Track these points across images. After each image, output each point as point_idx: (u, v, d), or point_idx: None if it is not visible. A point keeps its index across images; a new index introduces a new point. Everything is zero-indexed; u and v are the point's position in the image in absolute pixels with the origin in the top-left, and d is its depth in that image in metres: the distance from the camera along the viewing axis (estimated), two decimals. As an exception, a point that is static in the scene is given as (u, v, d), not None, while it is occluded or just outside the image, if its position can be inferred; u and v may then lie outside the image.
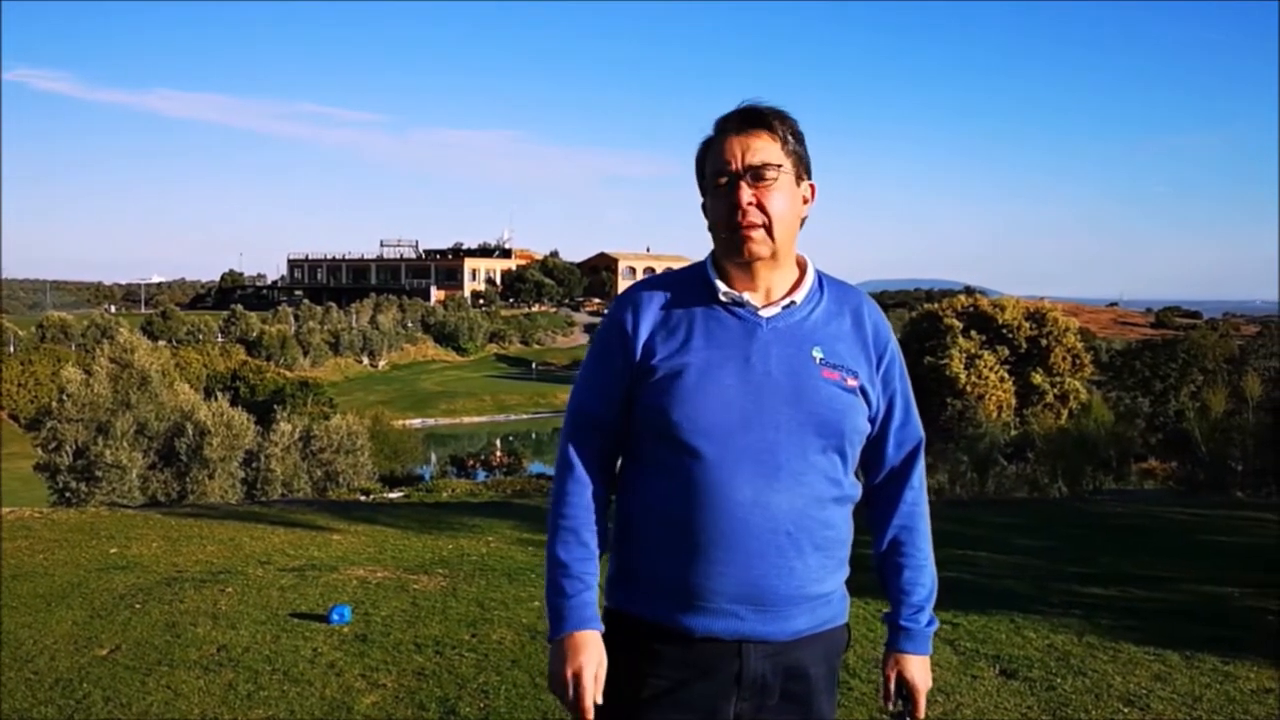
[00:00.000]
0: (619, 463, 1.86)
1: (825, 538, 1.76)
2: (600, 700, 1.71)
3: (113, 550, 6.82)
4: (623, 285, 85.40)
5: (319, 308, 69.60)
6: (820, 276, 1.85)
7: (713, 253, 1.83)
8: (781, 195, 1.75)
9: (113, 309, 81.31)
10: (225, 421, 13.72)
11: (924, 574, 1.88)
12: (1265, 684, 4.12)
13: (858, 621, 2.03)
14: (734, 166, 1.74)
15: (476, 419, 52.72)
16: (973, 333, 26.74)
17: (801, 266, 1.84)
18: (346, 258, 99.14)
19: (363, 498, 13.76)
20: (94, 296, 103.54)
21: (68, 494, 12.59)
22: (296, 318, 66.07)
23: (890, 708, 1.90)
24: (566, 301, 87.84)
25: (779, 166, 1.74)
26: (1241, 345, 40.05)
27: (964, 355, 25.87)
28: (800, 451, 1.72)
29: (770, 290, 1.80)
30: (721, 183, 1.75)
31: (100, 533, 7.57)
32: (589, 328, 76.89)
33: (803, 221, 1.83)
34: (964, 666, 4.32)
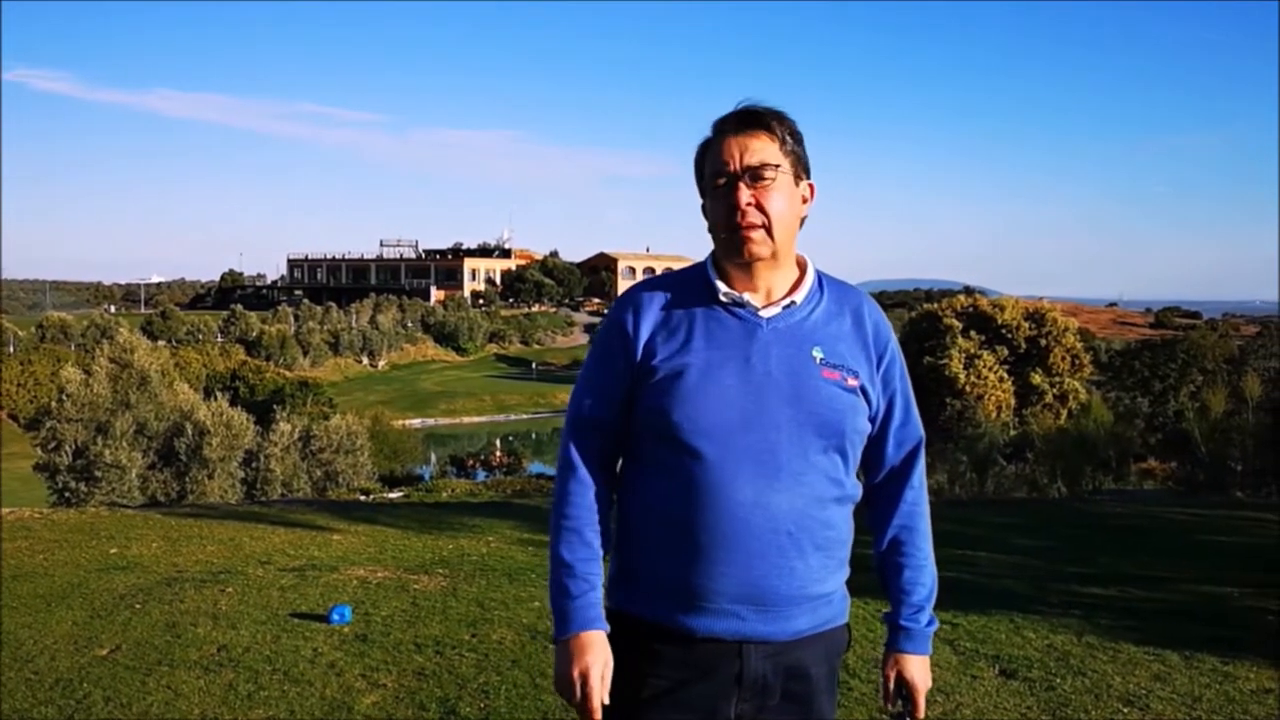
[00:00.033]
0: (620, 463, 1.86)
1: (826, 538, 1.76)
2: (607, 700, 1.71)
3: (113, 550, 6.82)
4: (622, 285, 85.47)
5: (319, 308, 69.59)
6: (820, 276, 1.86)
7: (713, 253, 1.83)
8: (780, 195, 1.75)
9: (112, 309, 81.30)
10: (225, 421, 13.72)
11: (924, 574, 1.88)
12: (1265, 684, 4.12)
13: (858, 621, 2.03)
14: (732, 167, 1.74)
15: (476, 419, 52.72)
16: (972, 333, 26.72)
17: (801, 266, 1.84)
18: (346, 258, 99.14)
19: (362, 498, 13.76)
20: (94, 297, 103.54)
21: (67, 494, 12.59)
22: (296, 318, 66.07)
23: (890, 708, 1.90)
24: (566, 301, 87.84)
25: (777, 167, 1.75)
26: (1241, 345, 40.08)
27: (963, 355, 25.86)
28: (801, 452, 1.73)
29: (770, 290, 1.80)
30: (720, 184, 1.76)
31: (100, 533, 7.57)
32: (589, 328, 76.89)
33: (802, 221, 1.83)
34: (964, 666, 4.32)
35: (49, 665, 4.25)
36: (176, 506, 10.41)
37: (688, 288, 1.82)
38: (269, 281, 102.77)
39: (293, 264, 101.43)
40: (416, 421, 44.72)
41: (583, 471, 1.80)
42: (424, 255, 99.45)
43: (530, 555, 6.68)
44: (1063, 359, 26.96)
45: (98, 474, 12.52)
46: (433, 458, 33.06)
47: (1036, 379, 26.29)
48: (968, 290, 41.26)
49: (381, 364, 63.70)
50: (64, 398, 13.38)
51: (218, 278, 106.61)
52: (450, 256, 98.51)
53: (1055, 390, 26.16)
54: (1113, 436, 12.64)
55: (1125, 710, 3.86)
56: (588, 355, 1.88)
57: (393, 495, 15.17)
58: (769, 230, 1.74)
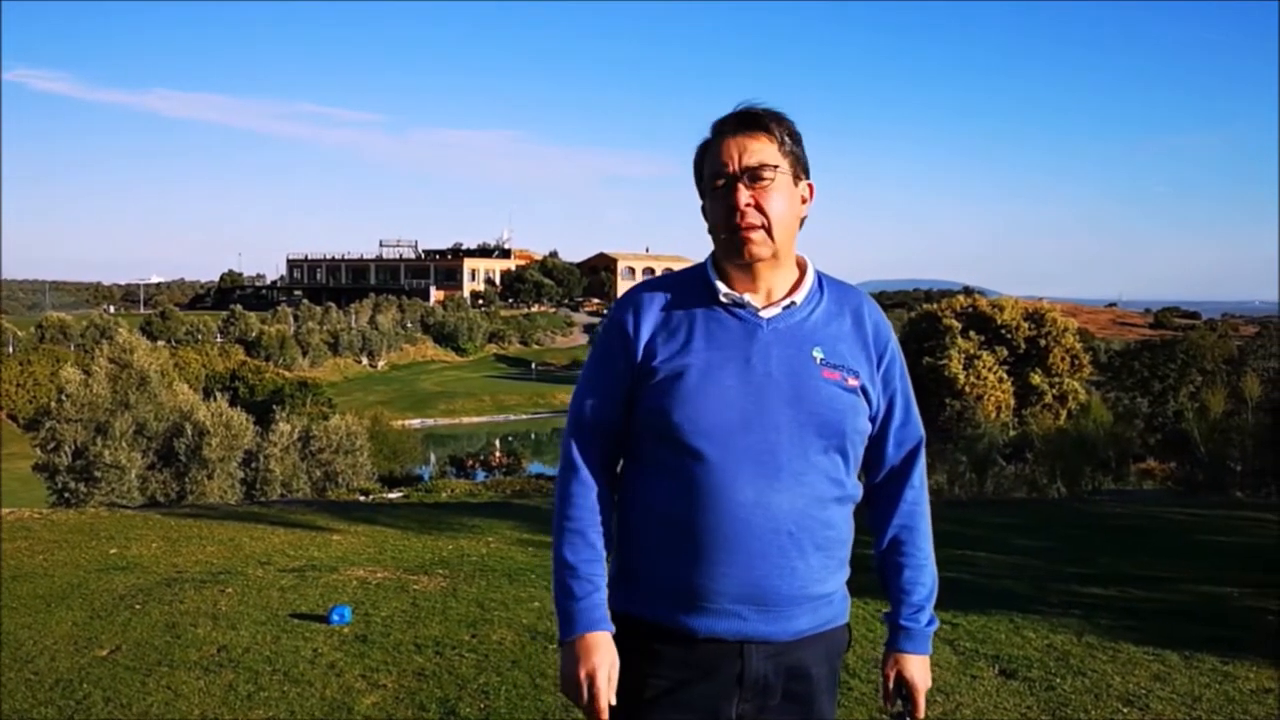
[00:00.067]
0: (620, 464, 1.86)
1: (827, 538, 1.76)
2: (614, 702, 1.71)
3: (112, 551, 6.82)
4: (622, 285, 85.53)
5: (318, 308, 69.61)
6: (820, 277, 1.86)
7: (713, 254, 1.84)
8: (780, 196, 1.75)
9: (112, 309, 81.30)
10: (224, 422, 13.72)
11: (924, 573, 1.88)
12: (1265, 684, 4.13)
13: (857, 622, 2.03)
14: (731, 168, 1.74)
15: (476, 419, 52.73)
16: (971, 333, 26.74)
17: (801, 267, 1.84)
18: (346, 258, 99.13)
19: (362, 498, 13.76)
20: (93, 297, 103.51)
21: (67, 494, 12.59)
22: (296, 318, 66.07)
23: (890, 708, 1.90)
24: (566, 302, 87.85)
25: (776, 167, 1.75)
26: (1240, 346, 40.14)
27: (963, 356, 25.87)
28: (801, 452, 1.73)
29: (771, 291, 1.80)
30: (719, 185, 1.76)
31: (100, 533, 7.57)
32: (588, 328, 76.91)
33: (802, 222, 1.83)
34: (963, 666, 4.32)
35: (49, 666, 4.24)
36: (176, 507, 10.41)
37: (688, 288, 1.82)
38: (268, 282, 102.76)
39: (292, 264, 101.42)
40: (416, 422, 44.72)
41: (584, 472, 1.80)
42: (423, 255, 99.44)
43: (530, 556, 6.68)
44: (1062, 359, 26.98)
45: (97, 474, 12.52)
46: (432, 458, 33.05)
47: (1036, 379, 26.31)
48: (967, 290, 41.26)
49: (381, 364, 63.70)
50: (63, 398, 13.38)
51: (217, 278, 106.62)
52: (450, 257, 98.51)
53: (1055, 390, 26.18)
54: (1112, 437, 12.65)
55: (1125, 710, 3.86)
56: (589, 356, 1.88)
57: (392, 495, 15.17)
58: (769, 231, 1.74)
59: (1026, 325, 27.31)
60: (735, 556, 1.71)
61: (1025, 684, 4.12)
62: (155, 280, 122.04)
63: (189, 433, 13.36)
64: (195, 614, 5.06)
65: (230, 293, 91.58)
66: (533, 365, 66.51)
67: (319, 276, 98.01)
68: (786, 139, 1.78)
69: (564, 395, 54.36)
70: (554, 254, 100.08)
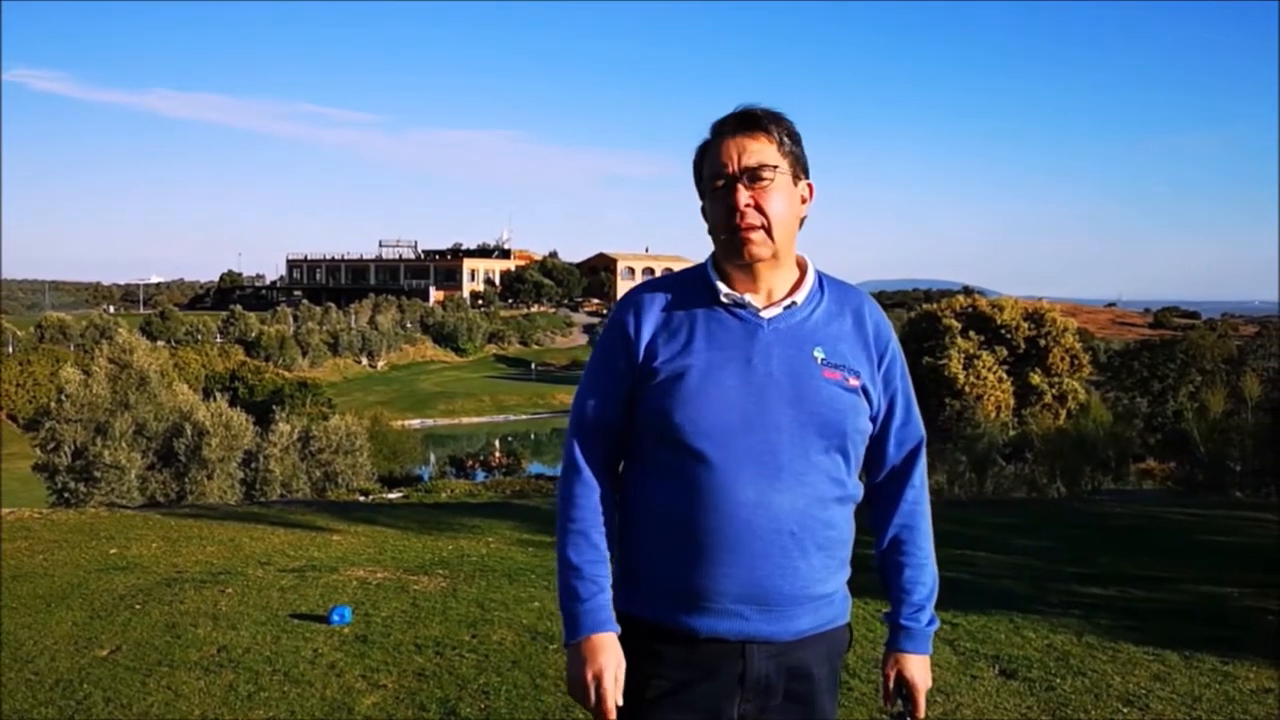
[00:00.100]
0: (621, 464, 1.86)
1: (828, 538, 1.77)
2: (622, 702, 1.71)
3: (112, 551, 6.82)
4: (622, 286, 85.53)
5: (318, 308, 69.61)
6: (821, 277, 1.86)
7: (713, 254, 1.84)
8: (779, 196, 1.76)
9: (111, 309, 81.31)
10: (224, 422, 13.73)
11: (925, 573, 1.88)
12: (1265, 684, 4.13)
13: (858, 622, 2.03)
14: (731, 169, 1.75)
15: (475, 419, 52.74)
16: (971, 333, 26.74)
17: (802, 267, 1.85)
18: (345, 258, 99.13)
19: (362, 498, 13.77)
20: (93, 297, 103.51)
21: (66, 494, 12.60)
22: (295, 318, 66.08)
23: (890, 707, 1.90)
24: (565, 302, 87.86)
25: (775, 168, 1.75)
26: (1240, 346, 40.13)
27: (962, 355, 25.87)
28: (802, 452, 1.73)
29: (771, 291, 1.80)
30: (719, 185, 1.76)
31: (100, 533, 7.57)
32: (588, 328, 76.94)
33: (802, 222, 1.84)
34: (963, 667, 4.32)
35: (49, 666, 4.25)
36: (176, 507, 10.41)
37: (689, 289, 1.82)
38: (268, 282, 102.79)
39: (292, 264, 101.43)
40: (415, 422, 44.72)
41: (587, 473, 1.80)
42: (423, 256, 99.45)
43: (530, 556, 6.68)
44: (1062, 359, 26.98)
45: (97, 474, 12.52)
46: (432, 458, 33.05)
47: (1036, 379, 26.31)
48: (967, 290, 41.27)
49: (380, 364, 63.71)
50: (63, 398, 13.39)
51: (217, 278, 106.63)
52: (449, 257, 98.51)
53: (1054, 390, 26.18)
54: (1112, 437, 12.66)
55: (1125, 710, 3.86)
56: (590, 357, 1.89)
57: (392, 496, 15.18)
58: (768, 231, 1.75)
59: (1026, 325, 27.32)
60: (737, 557, 1.71)
61: (1025, 684, 4.12)
62: (155, 280, 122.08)
63: (189, 433, 13.37)
64: (195, 614, 5.06)
65: (230, 293, 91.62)
66: (532, 365, 66.52)
67: (319, 277, 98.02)
68: (785, 139, 1.78)
69: (564, 395, 54.42)
70: (554, 254, 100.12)
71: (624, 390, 1.80)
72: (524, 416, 54.11)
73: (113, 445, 12.69)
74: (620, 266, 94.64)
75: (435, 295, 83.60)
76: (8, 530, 7.61)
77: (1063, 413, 23.61)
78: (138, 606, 5.22)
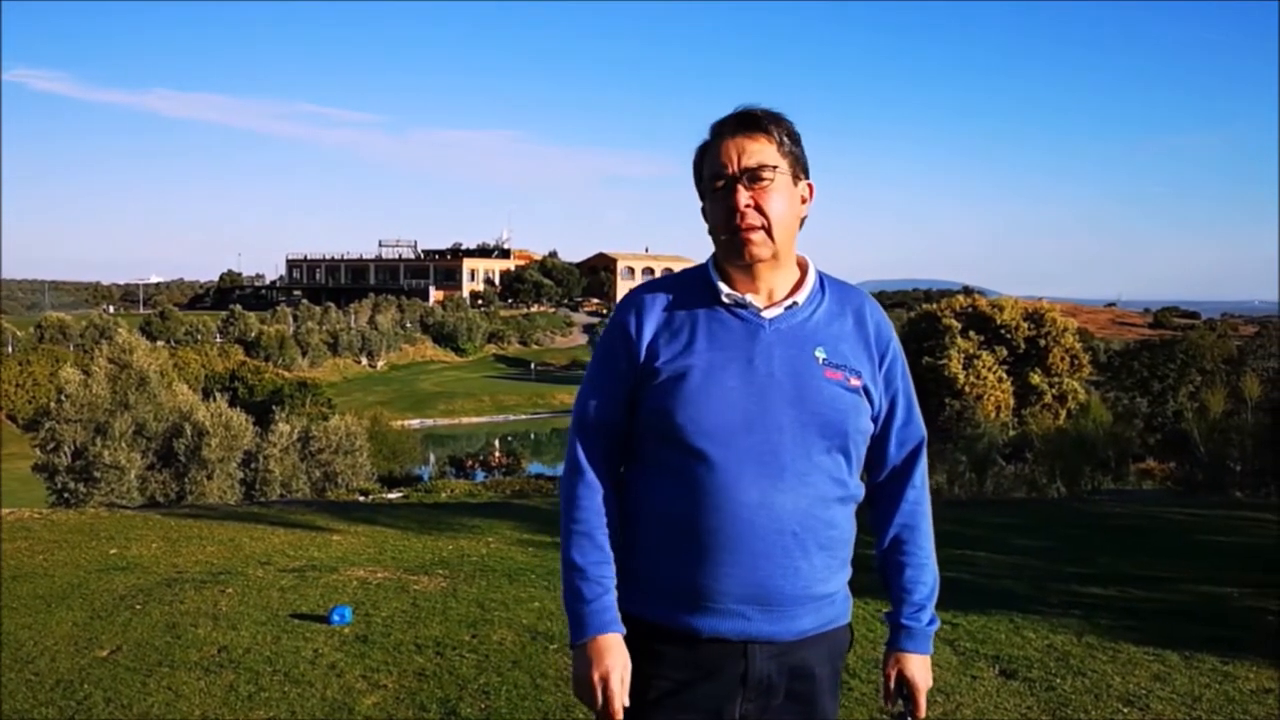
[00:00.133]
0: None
1: (830, 538, 1.77)
2: (629, 703, 1.71)
3: (112, 551, 6.82)
4: (621, 286, 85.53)
5: (317, 308, 69.60)
6: (822, 277, 1.86)
7: (714, 254, 1.84)
8: (779, 196, 1.76)
9: (111, 309, 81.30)
10: (224, 422, 13.73)
11: (925, 572, 1.88)
12: (1265, 684, 4.13)
13: (858, 622, 2.03)
14: (730, 169, 1.75)
15: (475, 419, 52.74)
16: (971, 333, 26.73)
17: (803, 267, 1.85)
18: (345, 258, 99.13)
19: (361, 498, 13.78)
20: (92, 297, 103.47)
21: (66, 495, 12.60)
22: (295, 318, 66.07)
23: (891, 707, 1.90)
24: (565, 302, 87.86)
25: (775, 168, 1.75)
26: (1240, 346, 40.15)
27: (962, 355, 25.87)
28: (804, 452, 1.73)
29: (772, 291, 1.81)
30: (719, 186, 1.76)
31: (100, 533, 7.57)
32: (588, 328, 76.95)
33: (802, 222, 1.84)
34: (964, 667, 4.32)
35: (49, 666, 4.25)
36: (176, 507, 10.42)
37: (690, 289, 1.82)
38: (268, 282, 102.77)
39: (291, 264, 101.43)
40: (415, 422, 44.73)
41: (591, 474, 1.80)
42: (423, 255, 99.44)
43: (530, 556, 6.68)
44: (1062, 359, 26.98)
45: (97, 475, 12.52)
46: (431, 458, 33.06)
47: (1035, 379, 26.31)
48: (967, 290, 41.27)
49: (380, 364, 63.71)
50: (63, 398, 13.38)
51: (216, 278, 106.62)
52: (449, 257, 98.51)
53: (1054, 390, 26.18)
54: (1112, 437, 12.66)
55: (1125, 710, 3.86)
56: (592, 357, 1.89)
57: (392, 496, 15.19)
58: (769, 232, 1.75)
59: (1026, 325, 27.31)
60: (739, 557, 1.71)
61: (1025, 684, 4.12)
62: (155, 280, 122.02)
63: (188, 433, 13.37)
64: (195, 614, 5.06)
65: (230, 293, 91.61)
66: (532, 365, 66.53)
67: (318, 276, 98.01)
68: (785, 139, 1.78)
69: (563, 395, 54.45)
70: (553, 254, 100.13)
71: (626, 391, 1.80)
72: (524, 416, 54.12)
73: (112, 445, 12.69)
74: (620, 266, 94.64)
75: (435, 295, 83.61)
76: (8, 530, 7.61)
77: (1063, 413, 23.61)
78: (138, 607, 5.22)
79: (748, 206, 1.73)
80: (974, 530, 8.00)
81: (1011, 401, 25.54)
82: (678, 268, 1.87)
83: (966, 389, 24.84)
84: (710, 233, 1.81)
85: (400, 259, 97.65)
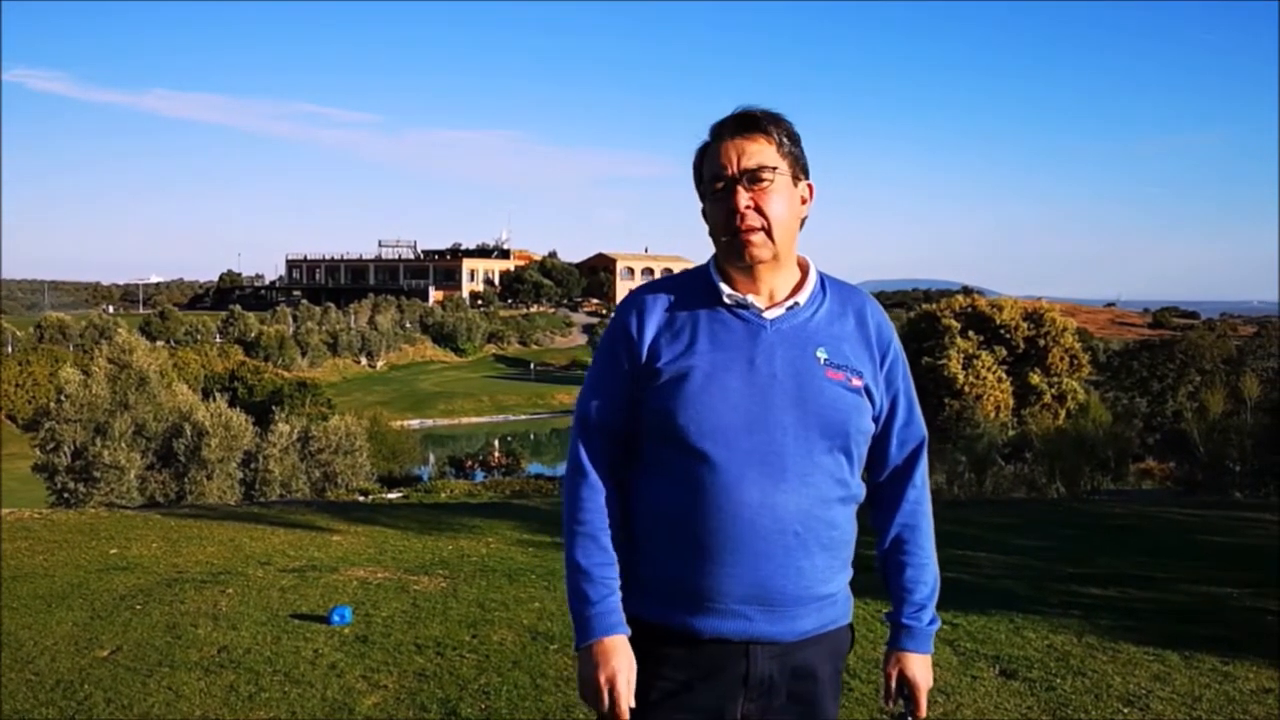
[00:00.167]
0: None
1: (831, 538, 1.77)
2: (634, 704, 1.71)
3: (112, 551, 6.82)
4: (621, 286, 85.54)
5: (317, 308, 69.61)
6: (822, 277, 1.87)
7: (715, 255, 1.84)
8: (779, 197, 1.76)
9: (111, 309, 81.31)
10: (223, 422, 13.74)
11: (926, 572, 1.88)
12: (1265, 684, 4.13)
13: (858, 622, 2.04)
14: (730, 171, 1.75)
15: (475, 419, 52.76)
16: (970, 333, 26.72)
17: (803, 268, 1.85)
18: (345, 258, 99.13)
19: (361, 498, 13.79)
20: (92, 297, 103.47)
21: (66, 495, 12.61)
22: (295, 318, 66.08)
23: (891, 707, 1.90)
24: (565, 302, 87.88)
25: (775, 169, 1.75)
26: (1239, 346, 40.18)
27: (962, 355, 25.86)
28: (806, 452, 1.73)
29: (773, 292, 1.81)
30: (719, 187, 1.76)
31: (100, 533, 7.57)
32: (587, 328, 76.98)
33: (802, 222, 1.84)
34: (964, 667, 4.33)
35: (49, 666, 4.25)
36: (176, 507, 10.41)
37: (691, 290, 1.82)
38: (267, 282, 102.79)
39: (291, 264, 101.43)
40: (415, 422, 44.75)
41: (593, 475, 1.80)
42: (422, 256, 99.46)
43: (530, 556, 6.68)
44: (1061, 359, 26.97)
45: (96, 475, 12.53)
46: (431, 458, 33.08)
47: (1035, 379, 26.30)
48: (966, 290, 41.25)
49: (380, 364, 63.72)
50: (63, 398, 13.39)
51: (216, 278, 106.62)
52: (449, 257, 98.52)
53: (1054, 390, 26.16)
54: (1111, 437, 12.66)
55: (1125, 710, 3.86)
56: (593, 358, 1.89)
57: (391, 496, 15.21)
58: (769, 233, 1.75)
59: (1025, 325, 27.30)
60: (741, 557, 1.71)
61: (1025, 684, 4.12)
62: (154, 280, 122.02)
63: (188, 433, 13.38)
64: (196, 614, 5.06)
65: (229, 293, 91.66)
66: (531, 366, 66.55)
67: (318, 277, 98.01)
68: (785, 140, 1.78)
69: (563, 395, 54.46)
70: (553, 254, 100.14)
71: (627, 391, 1.80)
72: (523, 417, 54.13)
73: (112, 445, 12.70)
74: (619, 267, 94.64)
75: (434, 295, 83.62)
76: (8, 530, 7.61)
77: (1062, 413, 23.60)
78: (138, 607, 5.22)
79: (748, 208, 1.73)
80: (974, 530, 8.00)
81: (1011, 401, 25.53)
82: (677, 268, 1.88)
83: (966, 389, 24.83)
84: (711, 234, 1.82)
85: (400, 259, 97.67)
